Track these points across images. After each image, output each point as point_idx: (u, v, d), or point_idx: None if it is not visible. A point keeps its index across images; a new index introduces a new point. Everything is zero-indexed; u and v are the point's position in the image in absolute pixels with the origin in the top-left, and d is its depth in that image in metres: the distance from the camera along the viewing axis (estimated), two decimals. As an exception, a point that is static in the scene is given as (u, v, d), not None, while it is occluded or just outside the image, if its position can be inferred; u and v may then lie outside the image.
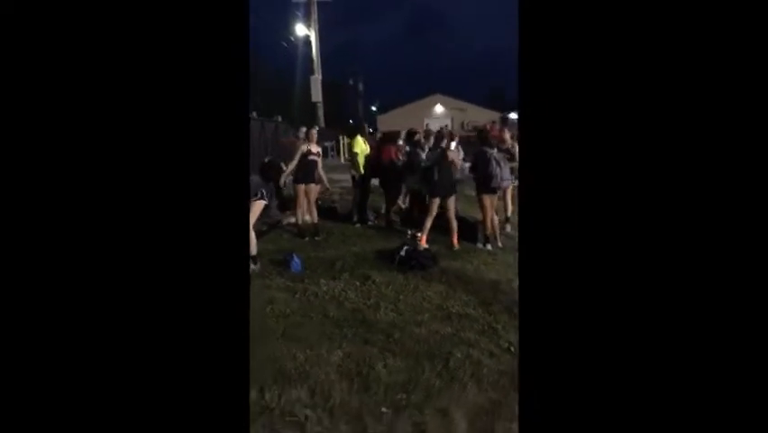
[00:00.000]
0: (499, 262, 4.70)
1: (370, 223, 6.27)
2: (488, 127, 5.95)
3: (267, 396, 2.37)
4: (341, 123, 29.55)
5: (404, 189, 6.24)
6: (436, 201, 5.05)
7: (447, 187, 5.03)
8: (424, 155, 5.41)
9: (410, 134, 5.80)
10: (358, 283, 4.05)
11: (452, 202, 5.11)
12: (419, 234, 5.13)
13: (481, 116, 34.65)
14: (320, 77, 19.60)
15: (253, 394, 2.38)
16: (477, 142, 5.24)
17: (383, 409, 2.28)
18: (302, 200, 5.46)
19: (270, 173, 4.61)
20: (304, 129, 5.76)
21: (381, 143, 6.10)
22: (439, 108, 38.59)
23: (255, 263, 4.32)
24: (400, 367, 2.68)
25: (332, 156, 18.27)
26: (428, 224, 5.07)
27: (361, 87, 27.46)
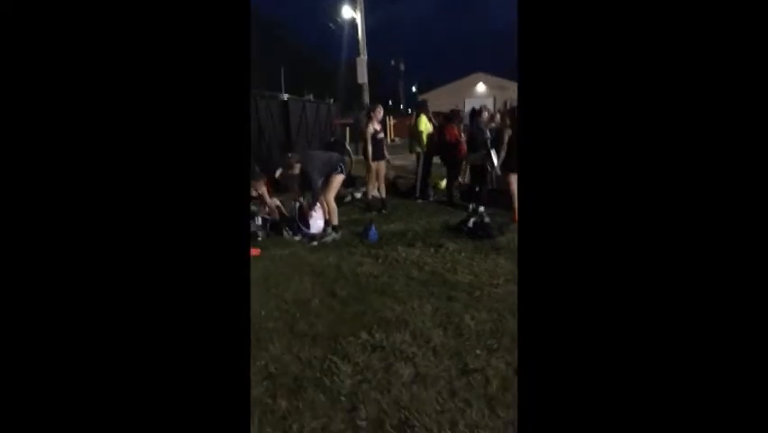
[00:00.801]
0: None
1: (430, 198, 6.59)
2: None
3: (377, 336, 2.77)
4: (383, 103, 29.85)
5: (464, 166, 6.51)
6: (514, 176, 5.18)
7: (515, 162, 5.25)
8: (487, 133, 5.66)
9: (476, 112, 6.03)
10: (432, 250, 4.40)
11: (515, 178, 5.34)
12: (481, 209, 5.41)
13: (523, 94, 33.94)
14: (366, 58, 19.87)
15: (364, 335, 2.79)
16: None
17: (477, 352, 2.63)
18: (373, 176, 5.84)
19: (337, 150, 5.01)
20: (364, 110, 6.07)
21: (443, 122, 6.37)
22: (481, 87, 38.08)
23: (336, 232, 4.74)
24: (485, 319, 3.01)
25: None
26: (516, 201, 5.18)
27: (402, 67, 27.43)
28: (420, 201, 6.49)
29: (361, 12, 19.84)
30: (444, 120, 6.40)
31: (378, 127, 5.73)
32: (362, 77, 19.91)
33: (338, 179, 4.70)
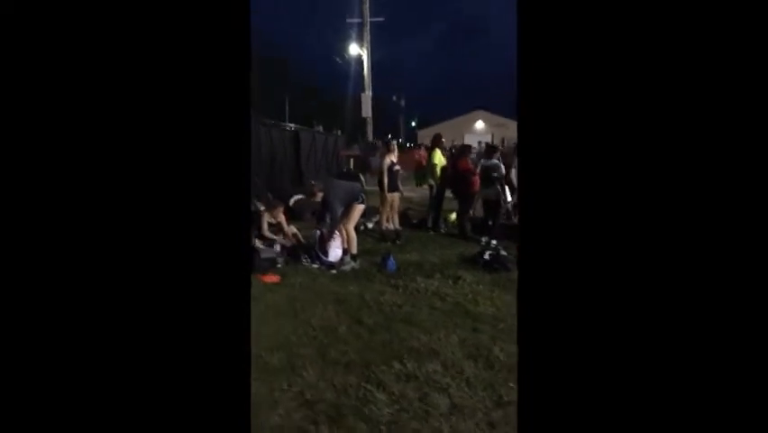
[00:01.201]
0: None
1: (442, 230, 6.65)
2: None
3: (408, 366, 2.77)
4: (384, 137, 30.44)
5: (476, 199, 6.60)
6: None
7: None
8: (502, 169, 5.78)
9: (492, 148, 6.18)
10: (450, 282, 4.42)
11: None
12: (494, 242, 5.47)
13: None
14: (371, 93, 20.34)
15: (396, 365, 2.78)
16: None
17: (510, 385, 2.63)
18: (387, 207, 5.91)
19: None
20: (379, 142, 6.21)
21: (456, 156, 6.50)
22: (480, 124, 38.88)
23: (355, 261, 4.77)
24: (514, 351, 3.01)
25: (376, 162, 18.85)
26: None
27: (402, 102, 28.06)
28: (432, 233, 6.55)
29: (367, 50, 20.47)
30: (458, 154, 6.53)
31: (394, 159, 5.85)
32: (367, 111, 20.35)
33: (359, 208, 4.77)
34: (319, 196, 4.58)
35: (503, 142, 36.73)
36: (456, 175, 6.38)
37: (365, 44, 20.10)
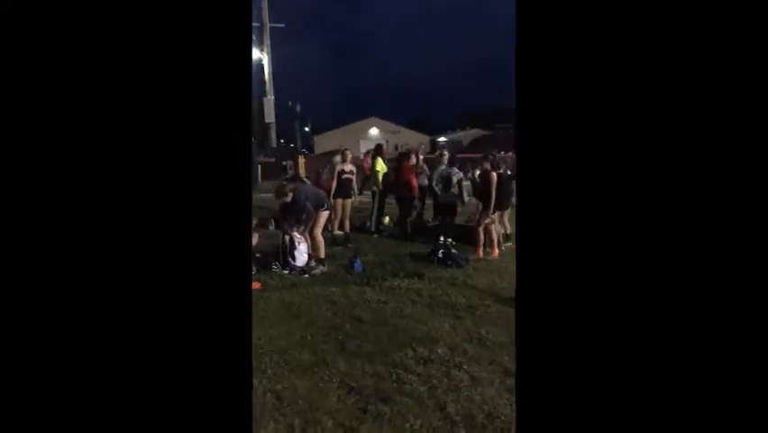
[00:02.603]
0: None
1: (384, 233, 7.09)
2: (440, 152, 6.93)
3: (419, 351, 3.15)
4: (285, 142, 30.08)
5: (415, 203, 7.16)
6: (494, 215, 5.83)
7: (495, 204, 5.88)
8: (460, 174, 6.42)
9: (453, 157, 6.75)
10: (416, 279, 4.87)
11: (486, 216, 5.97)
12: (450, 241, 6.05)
13: (412, 139, 36.56)
14: (273, 98, 20.15)
15: (410, 352, 3.14)
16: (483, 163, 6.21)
17: (506, 358, 3.13)
18: (339, 213, 6.19)
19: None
20: (337, 156, 6.41)
21: (399, 164, 6.98)
22: (374, 131, 40.08)
23: (324, 265, 5.01)
24: (497, 332, 3.54)
25: (291, 174, 18.74)
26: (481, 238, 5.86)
27: (298, 108, 28.11)
28: (376, 236, 6.96)
29: (267, 54, 20.24)
30: (398, 162, 7.03)
31: (346, 168, 6.16)
32: (270, 116, 20.10)
33: (324, 214, 5.02)
34: (289, 196, 4.75)
35: (396, 147, 38.31)
36: (397, 181, 6.87)
37: (265, 48, 19.88)
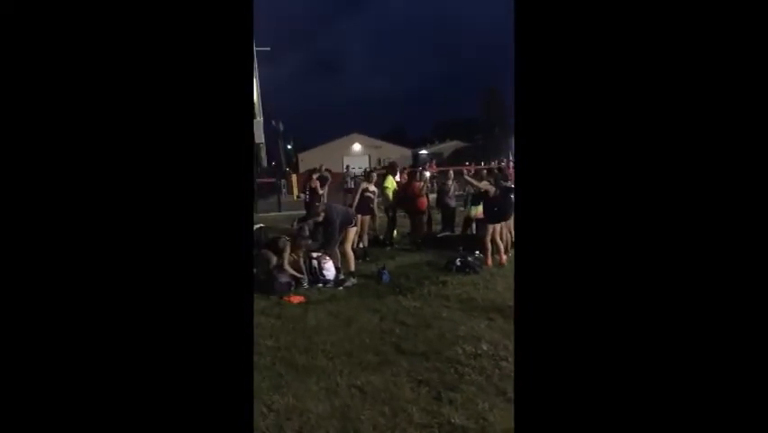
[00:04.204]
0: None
1: (396, 246, 7.50)
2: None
3: (467, 348, 3.53)
4: (270, 160, 30.48)
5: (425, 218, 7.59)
6: (491, 227, 6.17)
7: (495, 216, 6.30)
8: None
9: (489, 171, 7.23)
10: (441, 285, 5.28)
11: (491, 229, 6.35)
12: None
13: (394, 153, 37.15)
14: (262, 119, 20.52)
15: (459, 349, 3.53)
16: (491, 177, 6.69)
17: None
18: (358, 228, 6.56)
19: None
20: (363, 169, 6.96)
21: (408, 181, 7.42)
22: (357, 147, 40.62)
23: (354, 277, 5.38)
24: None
25: (285, 193, 19.07)
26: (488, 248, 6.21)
27: (281, 127, 28.47)
28: (389, 248, 7.35)
29: (256, 77, 20.68)
30: (408, 178, 7.47)
31: (370, 187, 6.59)
32: (259, 137, 20.48)
33: (352, 231, 5.41)
34: (322, 216, 5.13)
35: (380, 161, 38.81)
36: (406, 197, 7.30)
37: (254, 72, 20.27)
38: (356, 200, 6.44)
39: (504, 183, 6.38)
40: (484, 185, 5.99)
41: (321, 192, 7.40)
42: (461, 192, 8.37)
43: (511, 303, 4.61)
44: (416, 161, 33.71)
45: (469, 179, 6.31)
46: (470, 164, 18.67)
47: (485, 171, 6.61)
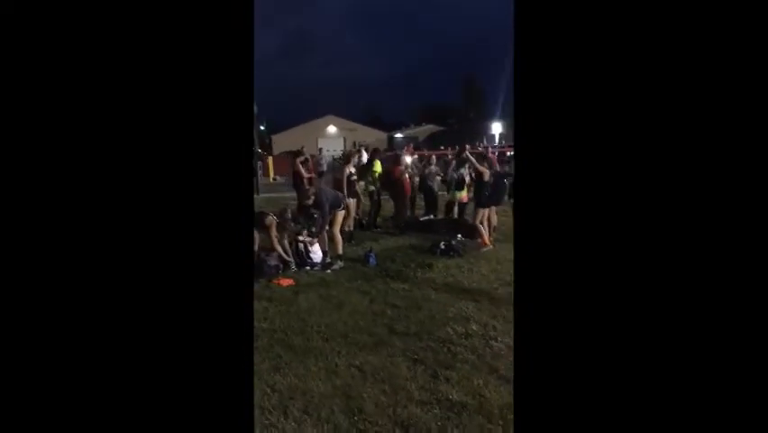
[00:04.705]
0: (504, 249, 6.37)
1: (379, 230, 7.56)
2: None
3: (458, 328, 3.65)
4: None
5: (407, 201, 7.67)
6: (481, 210, 6.27)
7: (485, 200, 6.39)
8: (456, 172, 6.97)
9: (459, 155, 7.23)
10: (427, 268, 5.38)
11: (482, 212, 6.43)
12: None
13: (369, 136, 37.01)
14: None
15: (449, 330, 3.64)
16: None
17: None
18: (345, 212, 6.59)
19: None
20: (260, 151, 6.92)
21: (390, 164, 7.46)
22: (332, 129, 40.27)
23: (341, 260, 5.43)
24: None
25: (261, 174, 18.82)
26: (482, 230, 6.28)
27: (255, 108, 27.95)
28: (372, 231, 7.42)
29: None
30: (390, 163, 7.51)
31: (352, 170, 6.59)
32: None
33: (341, 214, 5.44)
34: (312, 199, 5.14)
35: (354, 144, 38.51)
36: (389, 180, 7.35)
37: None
38: (345, 187, 6.45)
39: (496, 169, 6.50)
40: (482, 168, 6.08)
41: (307, 175, 7.36)
42: (440, 176, 8.47)
43: (496, 285, 4.77)
44: (392, 144, 33.71)
45: (470, 156, 6.35)
46: (445, 148, 18.81)
47: (476, 156, 6.67)
